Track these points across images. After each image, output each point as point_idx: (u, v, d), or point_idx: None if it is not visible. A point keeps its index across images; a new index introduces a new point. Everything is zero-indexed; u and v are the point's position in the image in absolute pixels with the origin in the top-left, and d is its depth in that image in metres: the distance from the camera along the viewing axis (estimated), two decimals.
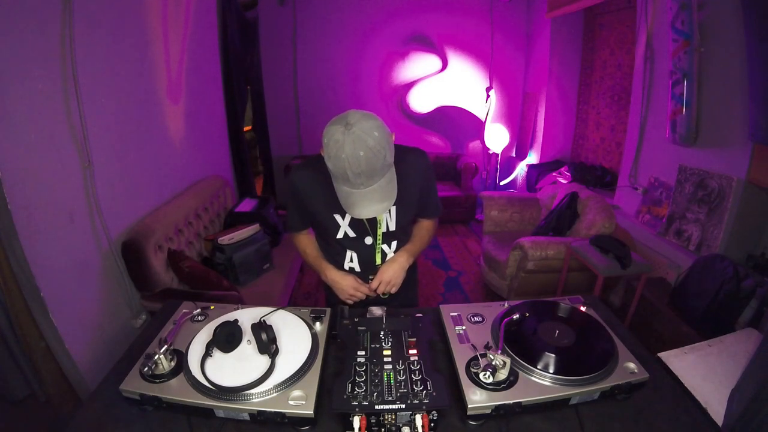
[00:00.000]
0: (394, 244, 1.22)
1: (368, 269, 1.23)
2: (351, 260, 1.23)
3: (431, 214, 1.30)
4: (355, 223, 1.16)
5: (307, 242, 1.30)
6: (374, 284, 1.18)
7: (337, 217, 1.16)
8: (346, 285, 1.18)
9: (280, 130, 4.76)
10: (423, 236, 1.29)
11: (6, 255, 1.42)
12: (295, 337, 0.96)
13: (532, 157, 4.74)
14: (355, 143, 0.88)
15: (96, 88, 1.77)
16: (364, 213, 0.97)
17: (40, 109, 1.50)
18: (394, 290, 1.21)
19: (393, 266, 1.18)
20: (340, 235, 1.18)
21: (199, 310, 1.07)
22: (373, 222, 1.17)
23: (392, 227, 1.19)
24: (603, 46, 3.85)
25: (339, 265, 1.24)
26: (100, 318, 1.81)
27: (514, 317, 0.97)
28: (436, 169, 4.85)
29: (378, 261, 1.22)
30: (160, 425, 0.83)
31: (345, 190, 0.96)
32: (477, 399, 0.81)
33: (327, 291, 1.34)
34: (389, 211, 1.17)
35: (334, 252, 1.25)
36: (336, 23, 4.53)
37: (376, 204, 0.96)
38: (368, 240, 1.19)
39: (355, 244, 1.20)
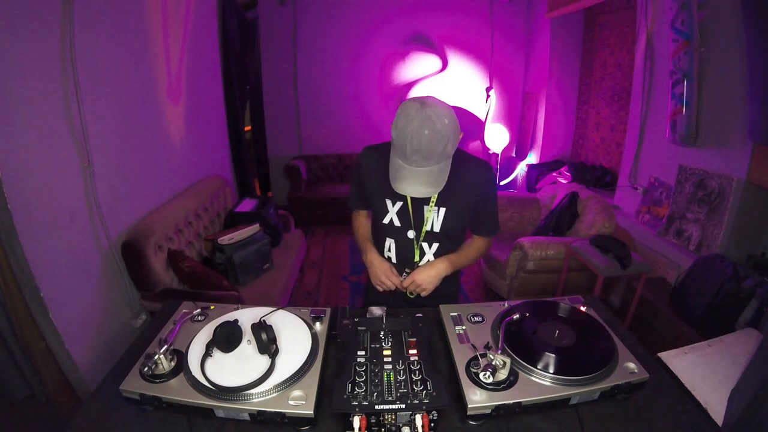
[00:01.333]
0: (435, 246, 1.20)
1: (404, 262, 1.22)
2: (389, 249, 1.23)
3: (486, 231, 1.25)
4: (402, 214, 1.17)
5: (362, 222, 1.33)
6: (406, 282, 1.16)
7: (388, 202, 1.18)
8: (380, 270, 1.18)
9: (279, 130, 4.76)
10: (470, 252, 1.24)
11: (6, 255, 1.42)
12: (295, 337, 0.96)
13: (532, 157, 4.74)
14: (424, 121, 0.92)
15: (96, 88, 1.77)
16: (408, 190, 0.98)
17: (40, 109, 1.51)
18: (423, 294, 1.17)
19: (429, 271, 1.15)
20: (386, 221, 1.20)
21: (199, 310, 1.07)
22: (420, 217, 1.16)
23: (437, 228, 1.17)
24: (603, 46, 3.85)
25: (380, 251, 1.26)
26: (100, 318, 1.81)
27: (514, 317, 0.97)
28: None
29: (416, 257, 1.20)
30: (160, 425, 0.83)
31: (398, 163, 0.98)
32: (477, 399, 0.81)
33: (366, 280, 1.36)
34: (438, 211, 1.16)
35: (378, 236, 1.27)
36: (336, 23, 4.53)
37: (421, 186, 0.97)
38: (411, 234, 1.18)
39: (397, 234, 1.20)
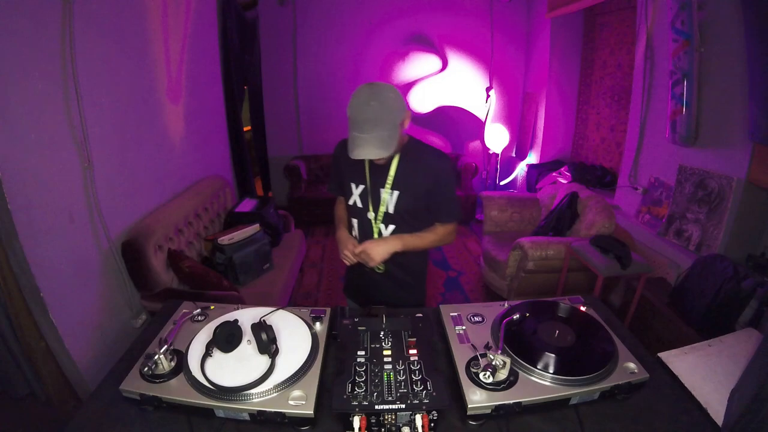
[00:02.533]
0: (391, 227, 1.31)
1: (364, 239, 1.35)
2: (354, 228, 1.38)
3: (444, 217, 1.32)
4: (363, 196, 1.31)
5: (340, 207, 1.49)
6: (357, 249, 1.26)
7: (353, 186, 1.33)
8: (344, 245, 1.32)
9: (279, 130, 4.76)
10: (427, 236, 1.32)
11: (6, 255, 1.42)
12: (295, 337, 0.96)
13: (532, 157, 4.74)
14: (371, 95, 1.08)
15: (96, 88, 1.77)
16: (362, 154, 1.10)
17: (40, 109, 1.50)
18: (371, 264, 1.25)
19: (379, 244, 1.25)
20: (351, 202, 1.35)
21: (199, 310, 1.07)
22: (377, 200, 1.29)
23: (391, 209, 1.29)
24: (603, 46, 3.85)
25: (350, 230, 1.41)
26: (100, 318, 1.81)
27: (514, 317, 0.97)
28: None
29: (375, 236, 1.33)
30: (160, 425, 0.83)
31: (354, 135, 1.10)
32: (477, 399, 0.81)
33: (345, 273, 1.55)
34: (392, 194, 1.27)
35: (348, 216, 1.43)
36: (336, 23, 4.53)
37: (373, 148, 1.09)
38: (370, 215, 1.32)
39: (360, 214, 1.34)
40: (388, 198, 1.27)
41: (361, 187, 1.31)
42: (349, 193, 1.34)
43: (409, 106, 1.15)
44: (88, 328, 1.74)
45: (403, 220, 1.30)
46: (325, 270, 3.59)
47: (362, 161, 1.27)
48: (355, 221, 1.37)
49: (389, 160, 1.24)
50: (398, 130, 1.13)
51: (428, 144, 1.31)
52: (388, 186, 1.26)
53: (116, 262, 1.91)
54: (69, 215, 1.65)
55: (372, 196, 1.29)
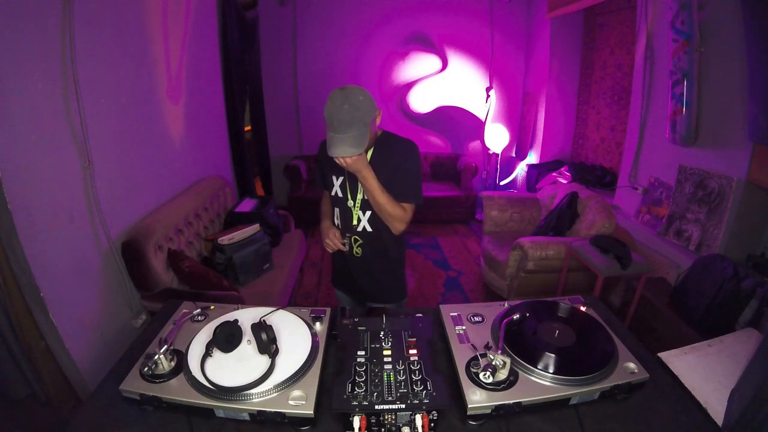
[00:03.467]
0: (368, 213, 1.41)
1: (346, 227, 1.46)
2: (337, 217, 1.49)
3: (399, 196, 1.35)
4: (343, 186, 1.43)
5: (325, 201, 1.59)
6: (338, 160, 1.26)
7: (333, 177, 1.45)
8: (326, 234, 1.45)
9: (279, 130, 4.76)
10: (387, 197, 1.33)
11: (6, 255, 1.42)
12: (295, 337, 0.96)
13: (532, 157, 4.74)
14: (344, 99, 1.18)
15: (96, 88, 1.77)
16: (338, 152, 1.19)
17: (40, 109, 1.50)
18: (347, 161, 1.23)
19: (357, 160, 1.25)
20: (333, 193, 1.46)
21: (199, 310, 1.07)
22: (355, 189, 1.40)
23: (367, 197, 1.38)
24: (603, 46, 3.85)
25: (332, 219, 1.53)
26: (100, 318, 1.81)
27: (514, 317, 0.97)
28: (435, 169, 4.86)
29: (354, 221, 1.43)
30: (160, 425, 0.83)
31: (330, 135, 1.20)
32: (477, 399, 0.81)
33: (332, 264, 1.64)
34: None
35: (332, 207, 1.53)
36: (336, 23, 4.53)
37: (348, 147, 1.18)
38: (350, 203, 1.43)
39: (341, 203, 1.45)
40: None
41: (341, 178, 1.43)
42: (331, 185, 1.45)
43: (378, 106, 1.26)
44: (88, 328, 1.74)
45: None
46: (325, 270, 3.59)
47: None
48: (337, 210, 1.48)
49: (365, 152, 1.31)
50: (369, 128, 1.23)
51: (399, 136, 1.42)
52: None
53: (116, 262, 1.91)
54: (69, 215, 1.64)
55: (350, 186, 1.41)
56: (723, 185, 2.29)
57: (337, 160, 1.25)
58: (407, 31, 4.61)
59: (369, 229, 1.43)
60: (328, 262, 3.77)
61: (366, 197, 1.38)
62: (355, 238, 1.45)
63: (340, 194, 1.44)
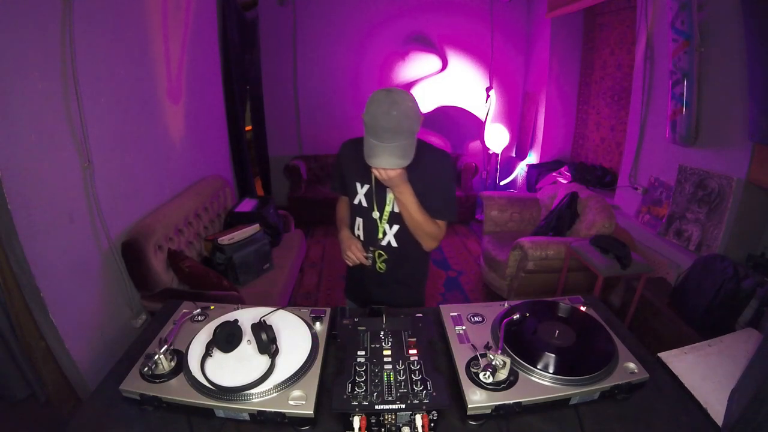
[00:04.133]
0: (395, 227, 1.31)
1: (369, 240, 1.35)
2: (359, 228, 1.37)
3: (436, 214, 1.28)
4: (368, 196, 1.31)
5: (342, 207, 1.48)
6: (376, 171, 1.16)
7: (357, 185, 1.33)
8: (347, 246, 1.33)
9: (279, 130, 4.76)
10: (424, 216, 1.25)
11: (6, 255, 1.42)
12: (295, 337, 0.96)
13: (532, 157, 4.74)
14: (391, 104, 1.04)
15: (96, 88, 1.77)
16: (383, 163, 1.08)
17: (40, 109, 1.50)
18: (383, 175, 1.14)
19: (399, 175, 1.14)
20: (356, 201, 1.35)
21: (199, 310, 1.07)
22: (382, 200, 1.30)
23: (396, 209, 1.28)
24: (603, 46, 3.85)
25: (352, 229, 1.41)
26: (100, 318, 1.81)
27: (514, 317, 0.97)
28: None
29: (380, 235, 1.33)
30: (160, 425, 0.83)
31: (371, 142, 1.08)
32: (477, 399, 0.81)
33: (346, 273, 1.54)
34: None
35: (351, 216, 1.42)
36: (336, 23, 4.53)
37: (393, 158, 1.08)
38: (375, 214, 1.31)
39: (365, 213, 1.34)
40: (394, 198, 1.26)
41: (366, 186, 1.31)
42: (354, 193, 1.34)
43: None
44: (88, 328, 1.74)
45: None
46: (325, 270, 3.59)
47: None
48: (359, 220, 1.36)
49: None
50: (415, 138, 1.12)
51: (431, 144, 1.31)
52: None
53: (116, 262, 1.91)
54: (69, 215, 1.64)
55: (377, 196, 1.30)
56: (723, 185, 2.29)
57: (375, 171, 1.13)
58: (407, 31, 4.60)
59: (394, 244, 1.32)
60: (329, 262, 3.78)
61: (396, 210, 1.28)
62: (379, 253, 1.34)
63: (364, 204, 1.33)
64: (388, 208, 1.30)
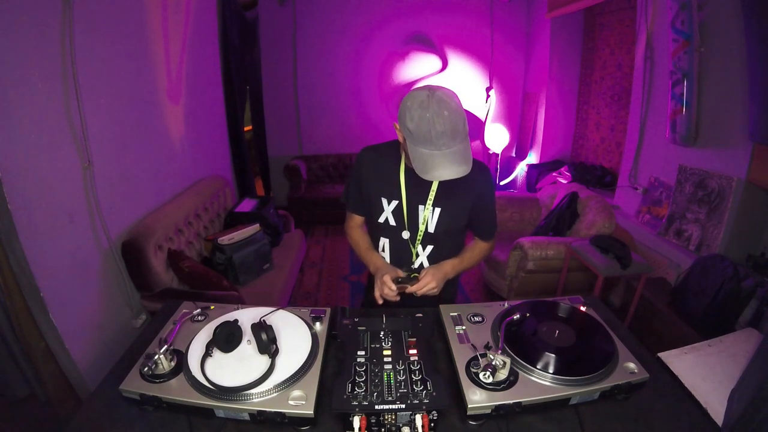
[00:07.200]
0: (429, 248, 1.19)
1: (397, 263, 1.20)
2: (383, 249, 1.23)
3: (486, 234, 1.24)
4: (397, 213, 1.16)
5: (360, 234, 1.30)
6: (419, 286, 1.11)
7: (384, 201, 1.17)
8: (384, 281, 1.11)
9: (279, 130, 4.76)
10: (472, 256, 1.23)
11: (6, 255, 1.42)
12: (295, 337, 0.96)
13: (532, 157, 4.74)
14: (440, 104, 0.92)
15: (96, 88, 1.77)
16: (445, 174, 0.94)
17: (40, 109, 1.50)
18: (431, 293, 1.13)
19: (438, 275, 1.12)
20: (381, 220, 1.19)
21: (199, 310, 1.07)
22: (414, 218, 1.16)
23: (431, 229, 1.16)
24: (603, 46, 3.85)
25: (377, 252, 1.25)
26: (100, 318, 1.81)
27: (515, 317, 0.97)
28: None
29: (413, 258, 1.21)
30: (160, 425, 0.83)
31: (424, 153, 0.95)
32: (477, 399, 0.81)
33: (366, 280, 1.37)
34: (433, 212, 1.14)
35: (372, 235, 1.26)
36: (336, 23, 4.53)
37: (456, 166, 0.94)
38: (405, 234, 1.17)
39: (392, 234, 1.19)
40: (429, 216, 1.14)
41: (395, 203, 1.15)
42: (379, 210, 1.18)
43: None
44: (88, 328, 1.74)
45: (442, 240, 1.19)
46: (325, 270, 3.59)
47: (396, 173, 1.14)
48: (384, 241, 1.21)
49: None
50: (469, 140, 1.00)
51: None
52: (429, 202, 1.13)
53: (116, 262, 1.91)
54: (69, 215, 1.64)
55: (408, 214, 1.15)
56: (723, 185, 2.29)
57: (412, 290, 1.01)
58: (407, 31, 4.60)
59: (428, 265, 1.19)
60: (329, 262, 3.78)
61: (431, 231, 1.15)
62: (414, 276, 1.13)
63: (392, 222, 1.17)
64: (422, 228, 1.15)
